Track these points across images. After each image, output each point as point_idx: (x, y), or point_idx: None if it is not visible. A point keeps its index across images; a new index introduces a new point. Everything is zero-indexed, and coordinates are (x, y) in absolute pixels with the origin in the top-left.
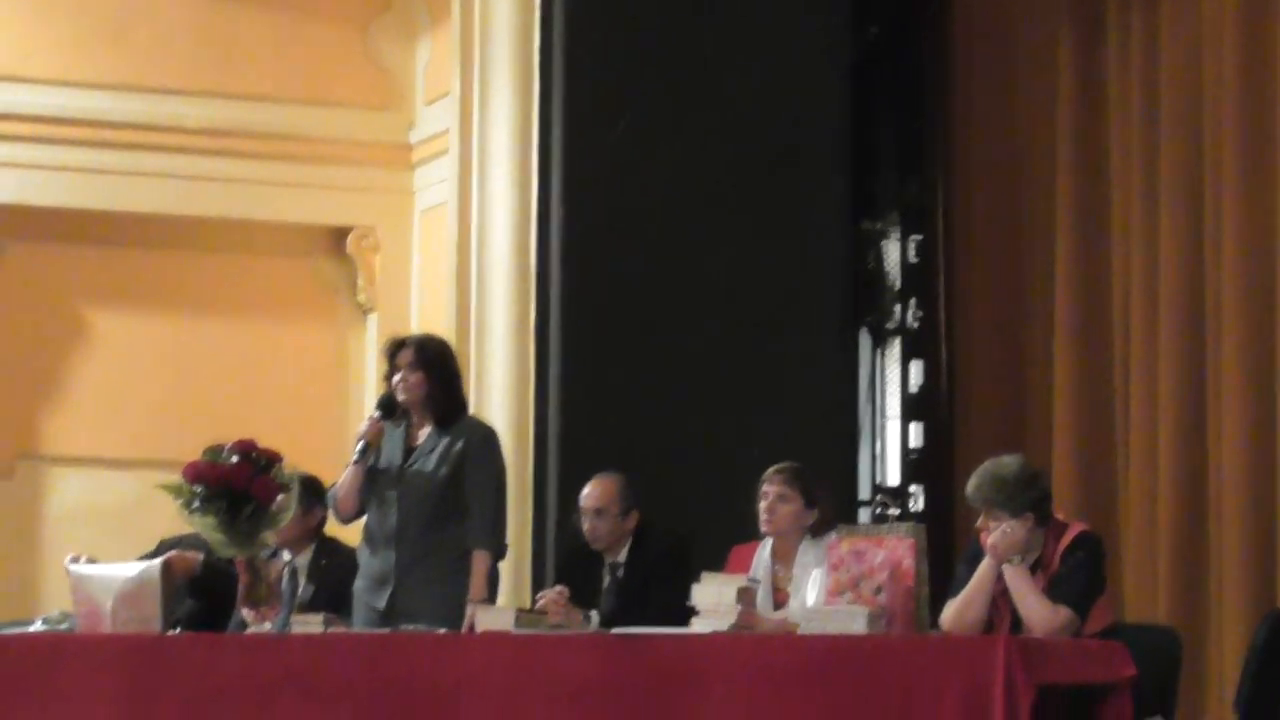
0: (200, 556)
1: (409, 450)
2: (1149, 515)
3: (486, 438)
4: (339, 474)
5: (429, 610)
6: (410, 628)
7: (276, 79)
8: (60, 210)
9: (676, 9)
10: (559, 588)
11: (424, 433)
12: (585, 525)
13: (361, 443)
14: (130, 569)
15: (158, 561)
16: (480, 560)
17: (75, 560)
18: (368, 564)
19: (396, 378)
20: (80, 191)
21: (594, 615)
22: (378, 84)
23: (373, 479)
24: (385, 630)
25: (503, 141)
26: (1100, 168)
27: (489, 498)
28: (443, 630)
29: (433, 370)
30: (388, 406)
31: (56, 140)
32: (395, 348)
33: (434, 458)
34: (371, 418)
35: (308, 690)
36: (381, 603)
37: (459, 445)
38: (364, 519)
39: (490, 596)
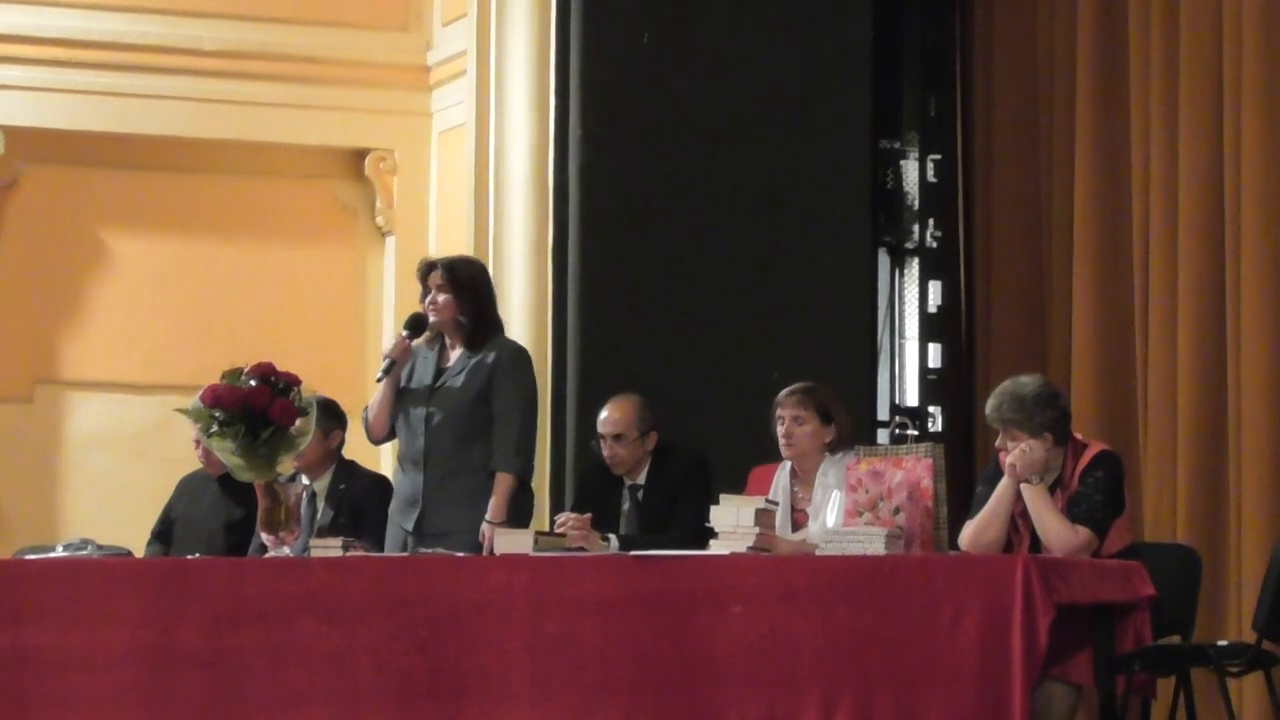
0: None
1: (440, 372)
2: (1168, 434)
3: (516, 356)
4: (358, 396)
5: (456, 531)
6: (429, 551)
7: (294, 1)
8: (77, 133)
9: None
10: (585, 515)
11: (455, 354)
12: (605, 451)
13: (387, 360)
14: None
15: None
16: (502, 482)
17: None
18: (399, 485)
19: (427, 299)
20: (97, 114)
21: (613, 539)
22: (395, 5)
23: (402, 399)
24: (408, 553)
25: (520, 62)
26: (1120, 86)
27: (515, 418)
28: (463, 553)
29: (462, 292)
30: (415, 325)
31: (73, 63)
32: (427, 269)
33: (462, 377)
34: (400, 335)
35: (327, 614)
36: (410, 523)
37: (488, 364)
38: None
39: (521, 519)
